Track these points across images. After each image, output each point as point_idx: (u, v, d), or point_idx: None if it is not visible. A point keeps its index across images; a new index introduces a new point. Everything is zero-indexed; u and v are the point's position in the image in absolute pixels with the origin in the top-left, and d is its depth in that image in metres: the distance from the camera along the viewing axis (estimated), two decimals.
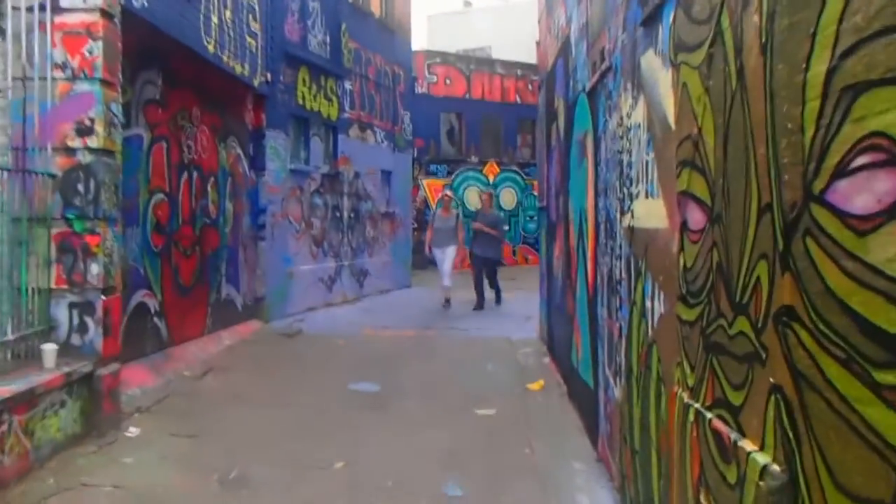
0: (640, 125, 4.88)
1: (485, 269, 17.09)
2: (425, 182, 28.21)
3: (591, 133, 7.08)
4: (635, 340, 5.02)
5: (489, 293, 17.56)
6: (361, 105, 18.77)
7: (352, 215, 18.29)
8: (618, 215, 5.68)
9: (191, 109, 11.17)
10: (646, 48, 4.52)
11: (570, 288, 8.67)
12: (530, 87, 30.07)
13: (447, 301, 17.34)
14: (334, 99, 17.15)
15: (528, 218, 30.40)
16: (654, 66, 4.30)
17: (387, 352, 11.96)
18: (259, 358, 11.35)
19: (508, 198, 30.00)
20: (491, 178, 29.55)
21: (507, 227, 15.73)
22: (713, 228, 3.10)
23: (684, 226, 3.56)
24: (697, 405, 3.30)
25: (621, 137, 5.57)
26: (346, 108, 17.85)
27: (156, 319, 10.02)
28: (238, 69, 12.15)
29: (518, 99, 30.24)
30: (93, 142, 7.21)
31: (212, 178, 11.93)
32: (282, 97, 14.61)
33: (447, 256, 17.15)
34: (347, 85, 17.88)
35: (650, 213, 4.55)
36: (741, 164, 2.72)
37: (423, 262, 26.96)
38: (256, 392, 9.31)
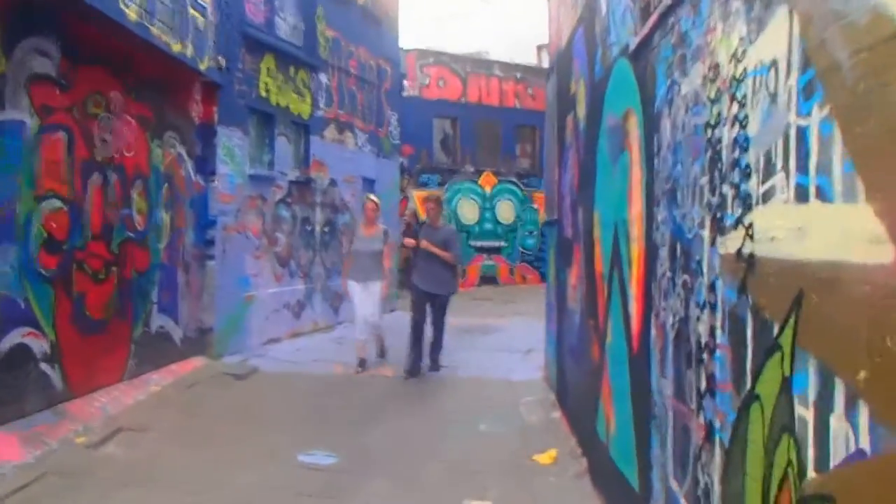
0: (773, 65, 2.55)
1: (431, 310, 11.36)
2: (415, 194, 25.78)
3: (638, 111, 4.76)
4: (757, 468, 2.66)
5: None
6: (340, 102, 16.40)
7: (326, 230, 15.89)
8: (704, 233, 3.34)
9: (107, 94, 8.82)
10: None
11: (596, 331, 6.31)
12: (531, 91, 27.94)
13: (361, 363, 11.51)
14: (307, 94, 14.79)
15: (527, 233, 28.17)
16: None
17: (356, 400, 9.60)
18: (191, 410, 8.96)
19: (506, 211, 27.65)
20: (487, 190, 27.26)
21: (457, 250, 11.16)
22: None
23: None
24: None
25: (713, 100, 3.24)
26: (321, 106, 15.48)
27: (44, 366, 7.60)
28: (176, 47, 9.75)
29: (518, 104, 27.97)
30: None
31: (138, 182, 9.57)
32: (239, 88, 12.27)
33: (369, 296, 11.41)
34: (323, 78, 15.51)
35: (814, 230, 2.22)
36: None
37: (410, 281, 24.68)
38: (170, 467, 6.92)
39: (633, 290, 4.84)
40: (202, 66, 10.77)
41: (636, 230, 4.77)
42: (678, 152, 3.81)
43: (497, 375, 11.28)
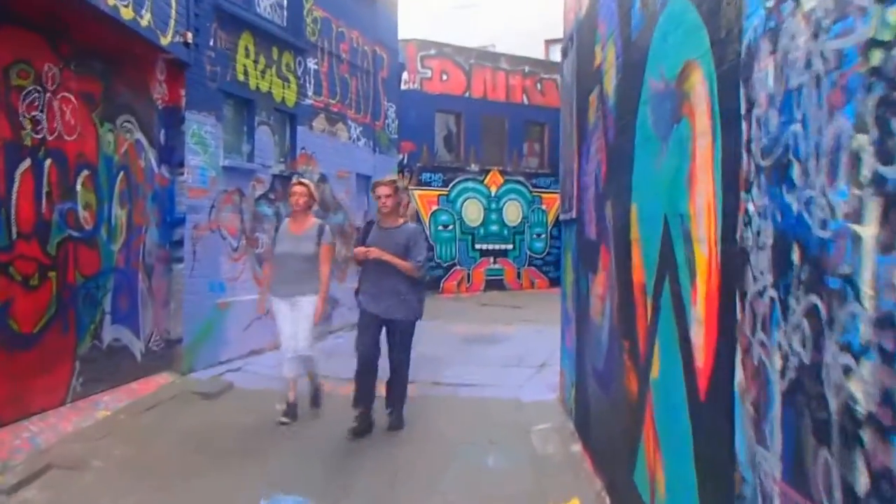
0: None
1: (388, 341, 8.32)
2: (416, 193, 24.41)
3: (706, 61, 3.37)
4: None
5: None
6: (331, 90, 14.99)
7: None
8: (862, 229, 1.95)
9: (40, 66, 7.45)
10: None
11: (633, 358, 4.90)
12: (540, 86, 26.59)
13: (289, 411, 8.59)
14: (292, 79, 13.39)
15: (535, 236, 26.74)
16: None
17: (338, 432, 8.18)
18: (144, 439, 7.56)
19: (513, 212, 26.23)
20: (493, 190, 25.83)
21: (431, 256, 8.31)
22: None
23: None
24: None
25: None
26: (310, 93, 14.09)
27: None
28: (126, 13, 8.30)
29: (525, 99, 26.51)
30: None
31: (84, 172, 8.20)
32: (212, 68, 10.88)
33: (300, 314, 8.48)
34: (312, 63, 14.12)
35: None
36: None
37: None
38: None
39: (699, 312, 3.44)
40: (163, 41, 9.35)
41: (704, 227, 3.37)
42: (794, 104, 2.42)
43: (505, 395, 9.90)
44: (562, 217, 9.86)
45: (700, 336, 3.43)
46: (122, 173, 8.97)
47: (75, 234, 8.03)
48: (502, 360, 12.53)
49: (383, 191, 7.99)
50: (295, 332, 8.46)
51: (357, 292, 8.34)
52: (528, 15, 29.95)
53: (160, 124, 9.91)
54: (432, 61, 24.68)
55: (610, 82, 5.93)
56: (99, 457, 6.95)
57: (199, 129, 10.52)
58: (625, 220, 5.20)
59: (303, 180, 8.72)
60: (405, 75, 23.39)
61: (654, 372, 4.30)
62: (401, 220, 8.25)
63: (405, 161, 23.58)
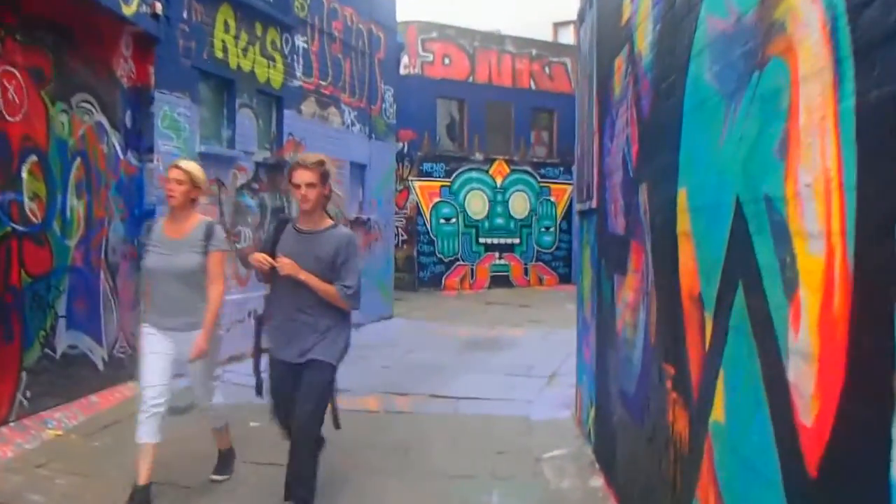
0: None
1: (300, 395, 5.43)
2: (417, 184, 23.43)
3: None
4: None
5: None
6: (322, 72, 13.87)
7: None
8: None
9: None
10: None
11: (682, 391, 3.80)
12: (548, 70, 25.54)
13: (137, 496, 5.58)
14: (278, 58, 12.29)
15: (543, 229, 25.75)
16: None
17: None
18: (91, 467, 6.48)
19: (520, 205, 25.19)
20: (499, 181, 24.82)
21: (354, 279, 5.26)
22: None
23: None
24: None
25: None
26: (298, 74, 12.98)
27: None
28: None
29: (533, 84, 25.45)
30: None
31: (31, 158, 7.16)
32: (185, 44, 9.79)
33: (178, 356, 5.90)
34: (300, 41, 13.01)
35: None
36: None
37: (412, 282, 22.47)
38: None
39: (805, 341, 2.34)
40: (127, 11, 8.27)
41: (816, 215, 2.28)
42: None
43: (512, 411, 8.82)
44: (578, 207, 8.72)
45: (808, 378, 2.33)
46: (78, 159, 7.91)
47: (20, 228, 6.99)
48: (509, 368, 11.45)
49: (303, 176, 5.20)
50: (168, 376, 5.86)
51: (260, 321, 5.71)
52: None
53: (126, 105, 8.84)
54: (434, 44, 23.70)
55: (644, 38, 4.83)
56: (38, 489, 5.91)
57: (170, 112, 9.45)
58: (667, 210, 4.12)
59: (181, 163, 5.88)
60: (405, 59, 22.46)
61: (717, 414, 3.21)
62: (327, 222, 5.44)
63: (405, 150, 22.69)
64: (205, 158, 10.20)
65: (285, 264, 5.14)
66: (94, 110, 8.22)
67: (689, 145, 3.80)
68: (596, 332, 7.03)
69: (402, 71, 21.47)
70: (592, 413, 7.01)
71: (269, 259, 5.20)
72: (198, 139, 10.12)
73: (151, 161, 9.16)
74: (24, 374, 7.12)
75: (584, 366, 7.92)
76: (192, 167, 5.90)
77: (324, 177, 5.29)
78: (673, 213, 4.00)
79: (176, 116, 9.56)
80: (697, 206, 3.62)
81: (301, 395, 5.34)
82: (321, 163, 5.34)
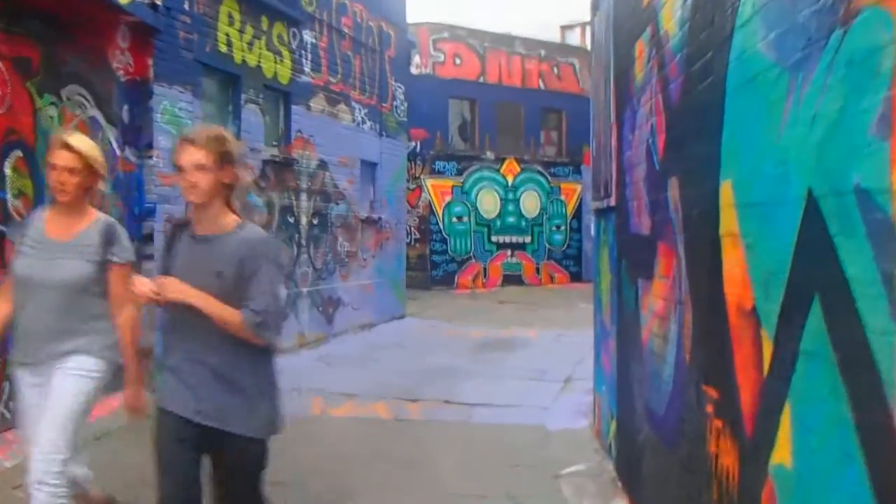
0: None
1: (214, 478, 3.75)
2: (429, 183, 23.17)
3: None
4: None
5: None
6: (331, 68, 13.47)
7: (314, 221, 12.98)
8: None
9: None
10: None
11: (728, 421, 3.30)
12: (557, 70, 25.34)
13: None
14: (285, 54, 11.88)
15: (553, 228, 25.47)
16: None
17: (323, 465, 6.67)
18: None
19: (531, 203, 24.88)
20: (510, 179, 24.57)
21: (271, 297, 3.51)
22: None
23: None
24: None
25: None
26: (307, 70, 12.58)
27: None
28: None
29: (542, 84, 25.38)
30: None
31: (15, 153, 6.78)
32: (187, 36, 9.39)
33: (55, 394, 4.10)
34: (308, 36, 12.60)
35: None
36: None
37: (425, 281, 22.18)
38: None
39: None
40: (122, 0, 7.87)
41: None
42: None
43: (527, 420, 8.40)
44: (594, 206, 8.24)
45: None
46: None
47: (3, 228, 6.58)
48: (523, 371, 11.02)
49: (190, 156, 3.56)
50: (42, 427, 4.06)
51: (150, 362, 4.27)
52: (543, 1, 29.05)
53: (123, 99, 8.42)
54: (445, 45, 23.54)
55: (672, 15, 4.37)
56: None
57: (171, 106, 9.04)
58: (705, 207, 3.66)
59: (72, 141, 4.18)
60: (417, 59, 22.14)
61: (782, 457, 2.71)
62: (231, 222, 3.70)
63: (417, 149, 22.42)
64: None
65: (167, 285, 3.54)
66: (87, 103, 7.81)
67: (735, 130, 3.33)
68: (616, 340, 6.57)
69: (414, 71, 21.15)
70: (613, 426, 6.55)
71: (152, 281, 3.61)
72: None
73: (151, 158, 8.75)
74: (7, 385, 6.71)
75: (603, 375, 7.46)
76: (86, 146, 4.25)
77: (222, 158, 3.58)
78: (713, 211, 3.54)
79: (177, 111, 9.15)
80: (748, 202, 3.14)
81: (228, 492, 3.73)
82: (218, 139, 3.63)
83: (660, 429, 4.78)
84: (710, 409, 3.60)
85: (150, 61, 8.72)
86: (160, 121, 8.86)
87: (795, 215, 2.56)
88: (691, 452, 3.94)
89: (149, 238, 8.75)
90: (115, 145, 8.27)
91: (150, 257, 8.70)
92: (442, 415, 8.66)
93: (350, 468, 6.61)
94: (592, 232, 20.01)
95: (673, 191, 4.39)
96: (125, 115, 8.48)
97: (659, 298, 4.83)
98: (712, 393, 3.57)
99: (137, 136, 8.64)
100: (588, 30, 25.72)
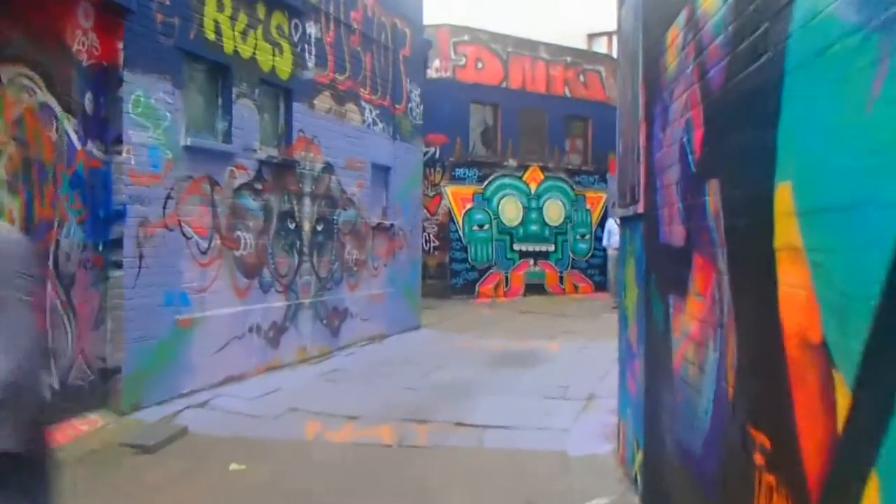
0: None
1: None
2: (449, 190, 22.30)
3: None
4: None
5: None
6: (338, 64, 12.59)
7: (318, 228, 12.07)
8: None
9: None
10: None
11: (784, 475, 2.46)
12: (582, 77, 24.54)
13: None
14: (285, 46, 11.02)
15: (578, 237, 24.51)
16: None
17: (316, 499, 5.97)
18: None
19: (554, 211, 24.03)
20: (533, 187, 23.73)
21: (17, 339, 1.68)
22: None
23: None
24: None
25: None
26: (310, 65, 11.71)
27: None
28: None
29: (567, 92, 24.41)
30: None
31: None
32: (166, 19, 8.56)
33: None
34: (312, 29, 11.73)
35: None
36: None
37: (445, 289, 21.40)
38: None
39: None
40: None
41: None
42: None
43: (546, 444, 7.56)
44: (619, 213, 7.36)
45: None
46: (10, 147, 6.65)
47: None
48: (542, 388, 10.10)
49: None
50: None
51: None
52: (569, 10, 28.22)
53: (84, 86, 7.57)
54: (466, 48, 22.65)
55: None
56: None
57: (145, 97, 8.19)
58: (756, 214, 2.81)
59: None
60: (436, 62, 21.36)
61: None
62: None
63: (437, 155, 21.71)
64: (193, 153, 8.99)
65: None
66: (36, 88, 6.96)
67: (796, 117, 2.51)
68: (644, 362, 5.70)
69: (434, 74, 20.46)
70: (640, 457, 5.69)
71: None
72: (183, 130, 8.86)
73: (120, 153, 7.90)
74: None
75: (629, 398, 6.61)
76: None
77: None
78: (766, 219, 2.69)
79: (153, 103, 8.30)
80: (815, 208, 2.32)
81: None
82: None
83: (695, 470, 3.94)
84: (759, 459, 2.80)
85: (120, 45, 7.86)
86: (132, 112, 8.00)
87: (890, 222, 1.72)
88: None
89: (117, 244, 7.91)
90: (73, 137, 7.41)
91: (118, 265, 7.87)
92: (452, 439, 7.83)
93: (344, 502, 5.79)
94: (604, 240, 18.93)
95: (712, 195, 3.57)
96: (88, 104, 7.63)
97: (694, 319, 3.96)
98: (762, 440, 2.77)
99: (104, 128, 7.80)
100: (615, 39, 24.78)
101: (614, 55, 26.19)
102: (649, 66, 5.55)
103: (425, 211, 20.03)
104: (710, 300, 3.58)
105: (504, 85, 23.16)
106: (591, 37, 29.00)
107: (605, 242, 20.46)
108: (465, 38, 22.63)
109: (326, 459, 7.12)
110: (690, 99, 4.06)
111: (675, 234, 4.50)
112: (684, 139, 4.21)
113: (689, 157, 4.07)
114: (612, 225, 19.62)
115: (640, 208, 5.81)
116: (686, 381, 4.11)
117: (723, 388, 3.31)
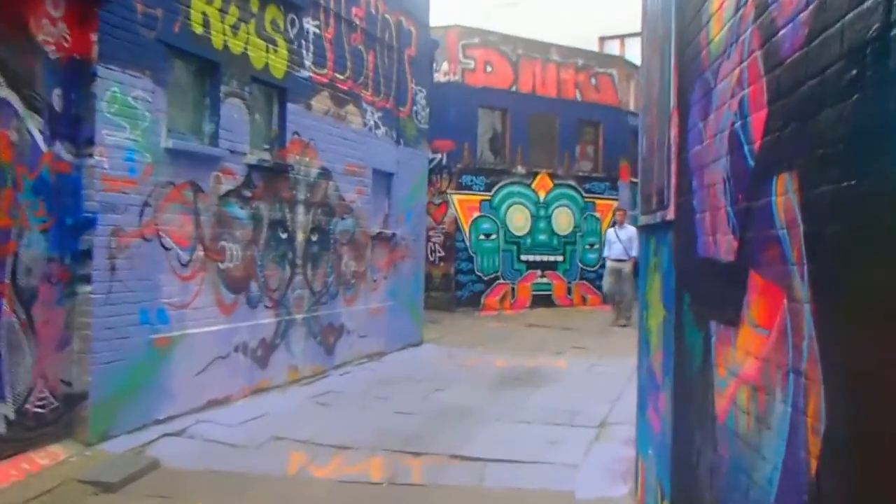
0: None
1: None
2: (456, 198, 21.57)
3: None
4: None
5: None
6: (338, 63, 11.83)
7: (313, 238, 11.28)
8: None
9: None
10: None
11: None
12: (594, 81, 23.78)
13: None
14: (280, 42, 10.26)
15: (587, 246, 23.74)
16: None
17: None
18: None
19: (563, 220, 23.30)
20: (542, 195, 23.01)
21: None
22: None
23: None
24: None
25: None
26: (307, 64, 10.95)
27: None
28: None
29: (579, 96, 23.62)
30: None
31: None
32: (146, 10, 7.80)
33: None
34: (310, 25, 10.97)
35: None
36: None
37: (450, 302, 20.74)
38: None
39: None
40: None
41: None
42: None
43: (552, 483, 6.78)
44: (643, 220, 6.55)
45: None
46: None
47: None
48: (549, 413, 9.30)
49: None
50: None
51: None
52: (581, 13, 27.85)
53: (52, 81, 6.81)
54: (475, 51, 21.94)
55: None
56: None
57: (122, 94, 7.44)
58: (863, 220, 2.02)
59: None
60: (445, 66, 20.72)
61: None
62: None
63: (443, 161, 21.05)
64: (175, 156, 8.24)
65: None
66: None
67: None
68: (672, 398, 4.90)
69: (442, 77, 19.86)
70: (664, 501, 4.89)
71: None
72: (164, 131, 8.10)
73: (92, 156, 7.14)
74: None
75: (649, 434, 5.80)
76: None
77: None
78: (877, 227, 1.90)
79: (130, 101, 7.56)
80: None
81: None
82: None
83: None
84: None
85: (95, 36, 7.11)
86: (106, 110, 7.24)
87: None
88: None
89: (86, 256, 7.14)
90: (38, 138, 6.65)
91: (87, 279, 7.10)
92: (448, 475, 7.06)
93: None
94: (605, 250, 18.19)
95: (782, 195, 2.75)
96: (56, 101, 6.88)
97: (750, 356, 3.15)
98: None
99: (75, 127, 7.04)
100: (627, 42, 23.84)
101: (627, 58, 25.91)
102: (685, 45, 4.76)
103: (431, 220, 19.41)
104: (777, 335, 2.78)
105: (514, 88, 22.50)
106: (603, 40, 28.75)
107: (605, 253, 19.73)
108: (475, 40, 21.98)
109: (308, 499, 6.39)
110: (748, 73, 3.26)
111: (719, 245, 3.71)
112: (737, 125, 3.41)
113: (745, 147, 3.26)
114: (611, 234, 19.03)
115: (671, 214, 5.01)
116: (736, 434, 3.31)
117: (801, 457, 2.49)
